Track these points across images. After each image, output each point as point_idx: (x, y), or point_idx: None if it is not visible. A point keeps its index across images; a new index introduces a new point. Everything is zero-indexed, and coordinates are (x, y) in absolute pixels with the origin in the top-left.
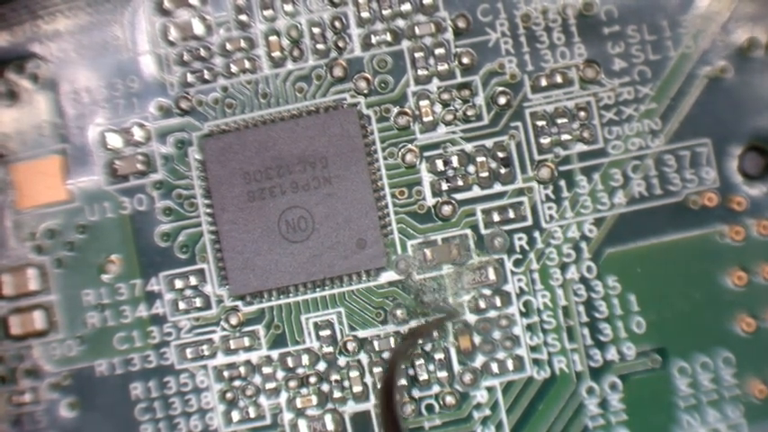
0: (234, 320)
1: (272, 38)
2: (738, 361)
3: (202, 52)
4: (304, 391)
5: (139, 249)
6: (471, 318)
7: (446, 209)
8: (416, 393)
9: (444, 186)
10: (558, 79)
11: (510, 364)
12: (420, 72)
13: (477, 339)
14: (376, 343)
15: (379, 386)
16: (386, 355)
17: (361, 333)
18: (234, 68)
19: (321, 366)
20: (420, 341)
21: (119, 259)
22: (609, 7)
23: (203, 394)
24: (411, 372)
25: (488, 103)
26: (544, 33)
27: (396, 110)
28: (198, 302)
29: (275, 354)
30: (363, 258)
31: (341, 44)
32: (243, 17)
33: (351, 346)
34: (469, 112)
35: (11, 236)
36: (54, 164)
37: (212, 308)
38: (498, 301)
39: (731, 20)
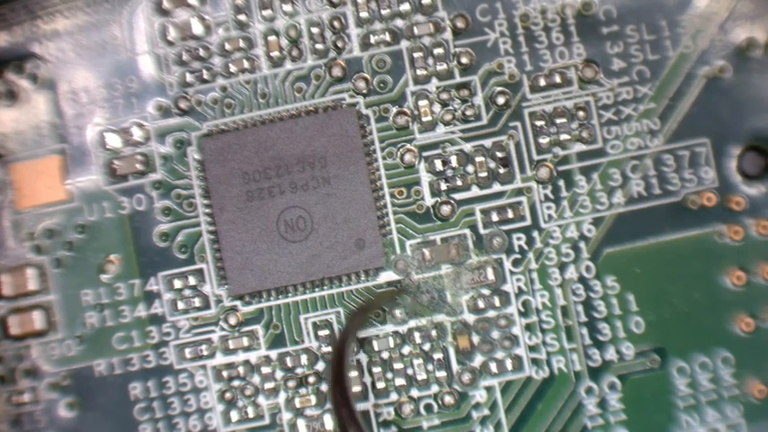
0: (233, 320)
1: (271, 38)
2: (737, 361)
3: (201, 52)
4: (303, 390)
5: (138, 249)
6: (470, 317)
7: (445, 209)
8: (415, 393)
9: (443, 186)
10: (557, 79)
11: (509, 364)
12: (419, 72)
13: (475, 339)
14: (375, 343)
15: (329, 364)
16: (384, 354)
17: (360, 333)
18: (233, 68)
19: (320, 366)
20: (372, 314)
21: (118, 259)
22: (608, 7)
23: (202, 394)
24: (410, 371)
25: (487, 103)
26: (543, 33)
27: (394, 110)
28: (197, 302)
29: (274, 354)
30: (362, 258)
31: (340, 44)
32: (242, 17)
33: None
34: (468, 112)
35: (10, 236)
36: (53, 164)
37: (211, 308)
38: (497, 301)
39: (730, 19)
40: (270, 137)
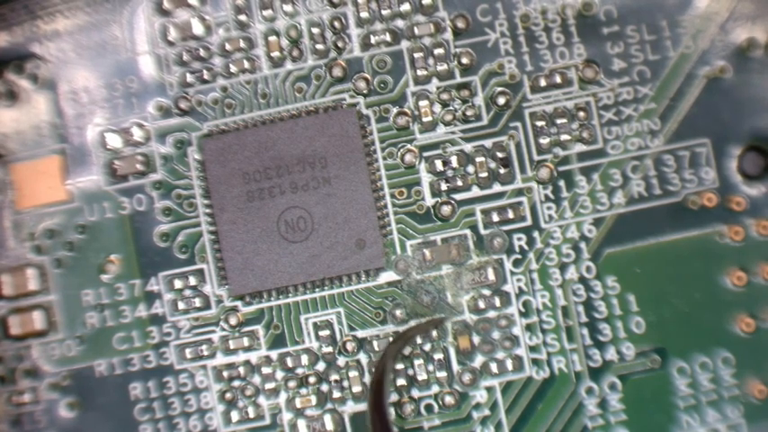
0: (233, 320)
1: (272, 38)
2: (738, 361)
3: (202, 52)
4: (303, 391)
5: (139, 249)
6: (471, 318)
7: (445, 209)
8: (416, 393)
9: (443, 186)
10: (558, 79)
11: (509, 364)
12: (419, 72)
13: (476, 339)
14: (375, 343)
15: (369, 387)
16: None
17: (361, 333)
18: (233, 68)
19: (320, 366)
20: (410, 342)
21: (118, 259)
22: (608, 7)
23: (203, 394)
24: (410, 372)
25: (488, 104)
26: (543, 33)
27: (395, 110)
28: (197, 302)
29: (274, 354)
30: (362, 258)
31: (340, 44)
32: (242, 17)
33: (350, 346)
34: (469, 113)
35: (10, 236)
36: (53, 164)
37: (212, 308)
38: (497, 302)
39: (730, 20)
40: (270, 137)
